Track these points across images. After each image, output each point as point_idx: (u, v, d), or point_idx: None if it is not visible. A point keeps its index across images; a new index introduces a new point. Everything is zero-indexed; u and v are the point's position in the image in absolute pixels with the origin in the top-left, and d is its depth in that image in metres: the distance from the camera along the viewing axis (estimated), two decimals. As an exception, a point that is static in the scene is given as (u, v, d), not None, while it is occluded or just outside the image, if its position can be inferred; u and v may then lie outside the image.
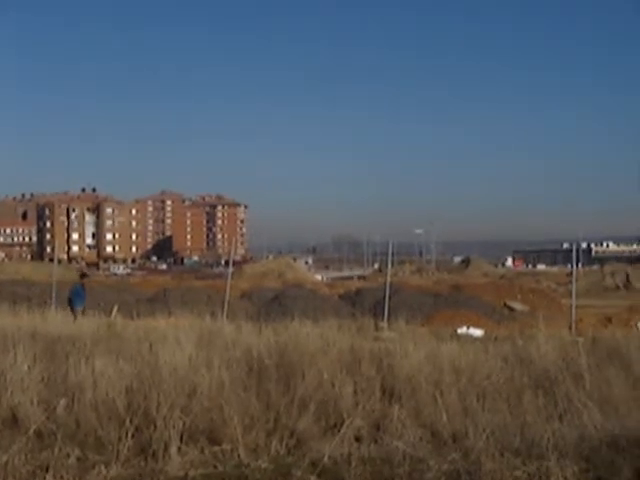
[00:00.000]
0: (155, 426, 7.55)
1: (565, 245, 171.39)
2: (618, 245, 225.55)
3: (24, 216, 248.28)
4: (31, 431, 7.63)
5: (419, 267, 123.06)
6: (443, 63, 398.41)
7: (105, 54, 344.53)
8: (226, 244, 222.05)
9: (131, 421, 7.50)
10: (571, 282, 25.62)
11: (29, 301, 26.92)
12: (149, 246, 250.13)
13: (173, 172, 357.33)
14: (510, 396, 9.25)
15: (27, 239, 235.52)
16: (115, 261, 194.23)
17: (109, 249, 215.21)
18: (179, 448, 7.22)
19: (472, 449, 7.12)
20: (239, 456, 7.34)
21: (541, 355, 11.35)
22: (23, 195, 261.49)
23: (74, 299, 22.14)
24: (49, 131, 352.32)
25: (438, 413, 8.35)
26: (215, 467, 7.17)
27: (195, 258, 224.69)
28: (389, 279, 26.97)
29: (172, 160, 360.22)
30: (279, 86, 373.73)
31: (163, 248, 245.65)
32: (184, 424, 7.57)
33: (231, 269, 30.36)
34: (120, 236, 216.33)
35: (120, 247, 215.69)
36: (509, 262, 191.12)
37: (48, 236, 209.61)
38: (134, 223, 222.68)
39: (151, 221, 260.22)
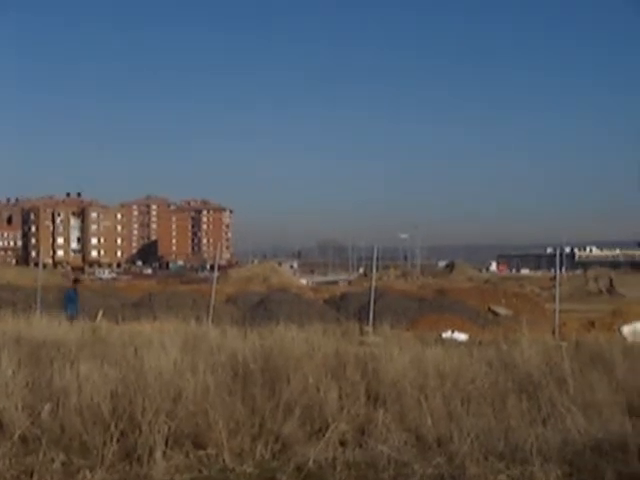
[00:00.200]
0: (140, 431, 7.55)
1: (549, 250, 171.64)
2: (601, 250, 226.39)
3: (9, 220, 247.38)
4: (16, 436, 7.63)
5: (404, 272, 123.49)
6: (438, 64, 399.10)
7: (89, 56, 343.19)
8: (211, 249, 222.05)
9: (116, 426, 7.50)
10: (555, 286, 25.71)
11: (14, 306, 26.73)
12: (134, 250, 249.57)
13: (158, 177, 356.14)
14: (494, 400, 9.28)
15: (12, 244, 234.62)
16: (100, 265, 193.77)
17: (94, 253, 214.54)
18: (164, 453, 7.22)
19: (456, 453, 7.16)
20: (224, 461, 7.35)
21: (525, 360, 11.39)
22: (8, 199, 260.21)
23: (67, 304, 22.01)
24: (34, 135, 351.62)
25: (423, 417, 8.37)
26: (200, 472, 7.18)
27: (180, 263, 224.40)
28: (374, 283, 26.99)
29: (157, 165, 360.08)
30: (264, 90, 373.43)
31: (148, 253, 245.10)
32: (169, 428, 7.57)
33: (216, 273, 30.30)
34: (105, 240, 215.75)
35: (105, 251, 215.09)
36: (493, 267, 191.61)
37: (33, 240, 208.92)
38: (119, 227, 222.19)
39: (136, 225, 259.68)
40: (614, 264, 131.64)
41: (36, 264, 62.07)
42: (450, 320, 32.10)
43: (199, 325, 18.52)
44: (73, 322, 20.53)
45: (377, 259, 29.16)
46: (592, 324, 28.70)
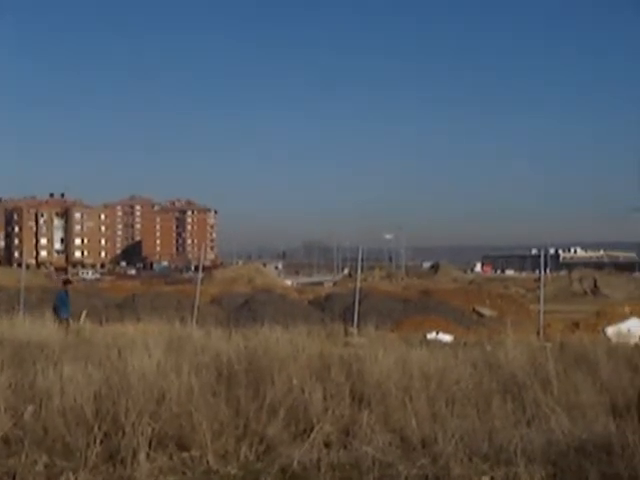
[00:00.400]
0: (124, 432, 7.51)
1: (533, 251, 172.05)
2: (586, 251, 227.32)
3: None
4: (-2, 438, 7.58)
5: (389, 273, 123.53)
6: (423, 64, 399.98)
7: (73, 58, 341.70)
8: (196, 249, 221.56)
9: (99, 427, 7.46)
10: (539, 287, 25.78)
11: (-4, 307, 26.66)
12: (118, 251, 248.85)
13: (142, 177, 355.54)
14: (479, 401, 9.29)
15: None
16: (84, 266, 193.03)
17: (78, 254, 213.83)
18: (148, 454, 7.19)
19: (441, 454, 7.16)
20: (208, 462, 7.33)
21: (509, 361, 11.40)
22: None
23: (59, 306, 21.85)
24: (17, 135, 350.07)
25: (407, 418, 8.37)
26: (184, 473, 7.15)
27: (165, 263, 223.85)
28: (359, 284, 26.99)
29: (142, 165, 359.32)
30: (248, 92, 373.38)
31: (132, 253, 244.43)
32: (153, 430, 7.53)
33: (201, 274, 30.23)
34: (89, 241, 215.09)
35: (89, 252, 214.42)
36: (478, 268, 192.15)
37: (16, 241, 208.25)
38: (103, 228, 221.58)
39: (120, 226, 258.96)
40: (598, 265, 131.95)
41: (19, 265, 61.74)
42: (435, 321, 32.18)
43: (183, 326, 18.50)
44: (65, 324, 20.45)
45: (362, 260, 29.20)
46: (576, 325, 28.80)
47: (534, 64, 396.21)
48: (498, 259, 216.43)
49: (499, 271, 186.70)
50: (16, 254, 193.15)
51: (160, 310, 27.72)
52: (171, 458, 7.39)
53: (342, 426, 8.36)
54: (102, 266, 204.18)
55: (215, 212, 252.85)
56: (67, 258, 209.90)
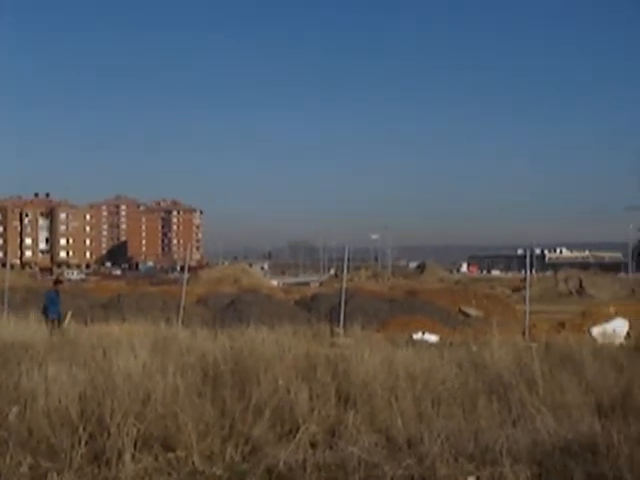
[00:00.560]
0: (109, 433, 7.49)
1: (519, 251, 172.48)
2: (571, 251, 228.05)
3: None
4: (-18, 439, 7.55)
5: (375, 272, 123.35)
6: (408, 67, 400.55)
7: (59, 58, 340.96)
8: (181, 250, 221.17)
9: (84, 428, 7.44)
10: (525, 288, 25.83)
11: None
12: (103, 251, 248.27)
13: (128, 177, 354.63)
14: (464, 401, 9.30)
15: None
16: (69, 266, 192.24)
17: (63, 254, 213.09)
18: (133, 455, 7.17)
19: (427, 454, 7.16)
20: (194, 463, 7.31)
21: (495, 361, 11.42)
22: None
23: (49, 307, 21.72)
24: (1, 135, 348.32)
25: (393, 419, 8.37)
26: (169, 474, 7.13)
27: (150, 264, 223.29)
28: (345, 285, 26.97)
29: (127, 165, 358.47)
30: (234, 92, 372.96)
31: (118, 253, 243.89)
32: (138, 431, 7.51)
33: (186, 275, 30.16)
34: (74, 241, 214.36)
35: (74, 252, 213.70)
36: (464, 268, 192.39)
37: (0, 241, 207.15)
38: (88, 228, 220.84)
39: (105, 226, 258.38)
40: (584, 265, 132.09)
41: (3, 265, 61.38)
42: (421, 321, 32.16)
43: (169, 326, 18.46)
44: (54, 324, 20.36)
45: (348, 260, 29.15)
46: (562, 325, 28.84)
47: (522, 64, 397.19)
48: (484, 259, 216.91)
49: (485, 271, 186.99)
50: (0, 254, 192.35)
51: (145, 310, 27.62)
52: (156, 459, 7.36)
53: (328, 426, 8.36)
54: (87, 266, 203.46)
55: (201, 212, 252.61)
56: (52, 258, 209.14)
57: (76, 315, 23.65)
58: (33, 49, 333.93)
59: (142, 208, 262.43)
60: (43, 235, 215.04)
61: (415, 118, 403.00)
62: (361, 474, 6.89)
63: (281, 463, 7.16)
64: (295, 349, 11.93)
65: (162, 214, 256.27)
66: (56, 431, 7.70)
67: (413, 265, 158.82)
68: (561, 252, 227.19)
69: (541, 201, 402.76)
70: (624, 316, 27.00)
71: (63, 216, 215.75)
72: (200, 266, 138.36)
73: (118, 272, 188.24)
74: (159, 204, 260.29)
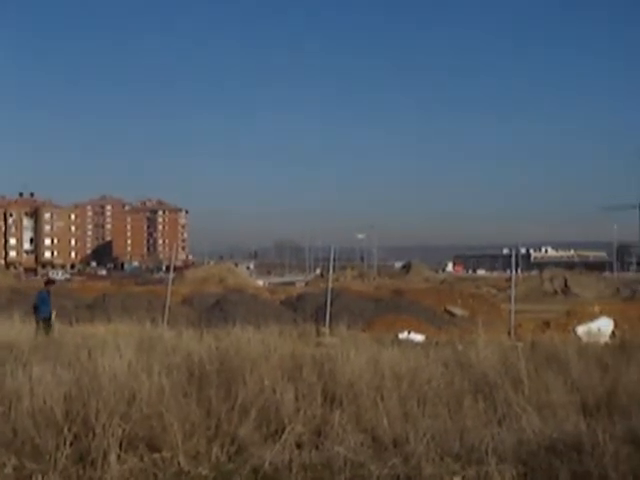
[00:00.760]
0: (94, 434, 7.46)
1: (505, 250, 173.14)
2: (557, 251, 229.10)
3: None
4: (-34, 440, 7.51)
5: (361, 272, 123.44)
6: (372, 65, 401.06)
7: (40, 57, 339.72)
8: (167, 249, 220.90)
9: (69, 429, 7.41)
10: (510, 287, 25.90)
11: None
12: (88, 251, 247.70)
13: (113, 177, 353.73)
14: (450, 401, 9.31)
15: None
16: (54, 266, 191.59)
17: (47, 254, 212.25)
18: (118, 456, 7.15)
19: (412, 454, 7.17)
20: (179, 463, 7.30)
21: (481, 360, 11.44)
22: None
23: (40, 306, 21.65)
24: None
25: (379, 418, 8.38)
26: (155, 475, 7.12)
27: (135, 263, 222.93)
28: (330, 284, 26.98)
29: (112, 165, 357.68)
30: (216, 91, 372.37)
31: (103, 253, 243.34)
32: (123, 431, 7.49)
33: (172, 274, 30.15)
34: (59, 241, 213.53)
35: (59, 252, 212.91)
36: (450, 267, 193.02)
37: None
38: (73, 228, 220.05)
39: (90, 226, 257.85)
40: (569, 265, 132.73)
41: (-12, 265, 61.23)
42: (406, 321, 32.18)
43: (154, 326, 18.43)
44: (45, 324, 20.31)
45: (334, 260, 29.19)
46: (547, 324, 28.92)
47: (510, 64, 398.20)
48: (470, 259, 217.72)
49: (471, 271, 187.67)
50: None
51: (131, 310, 27.56)
52: (142, 459, 7.35)
53: (314, 426, 8.36)
54: (72, 266, 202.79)
55: (186, 212, 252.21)
56: (37, 258, 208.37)
57: (61, 315, 23.58)
58: (17, 48, 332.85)
59: (127, 208, 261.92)
60: (27, 235, 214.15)
61: (399, 118, 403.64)
62: (347, 474, 6.89)
63: (267, 463, 7.15)
64: (281, 349, 11.91)
65: (147, 214, 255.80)
66: (41, 432, 7.67)
67: (399, 265, 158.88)
68: (546, 251, 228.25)
69: (526, 201, 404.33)
70: (609, 315, 27.15)
71: (48, 216, 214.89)
72: (186, 266, 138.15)
73: (103, 272, 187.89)
74: (144, 204, 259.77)
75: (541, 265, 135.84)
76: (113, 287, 61.82)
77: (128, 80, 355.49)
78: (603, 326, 24.58)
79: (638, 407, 8.76)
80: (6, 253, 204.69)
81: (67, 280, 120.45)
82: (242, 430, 7.95)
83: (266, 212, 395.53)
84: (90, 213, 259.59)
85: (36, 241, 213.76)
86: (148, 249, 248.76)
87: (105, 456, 7.09)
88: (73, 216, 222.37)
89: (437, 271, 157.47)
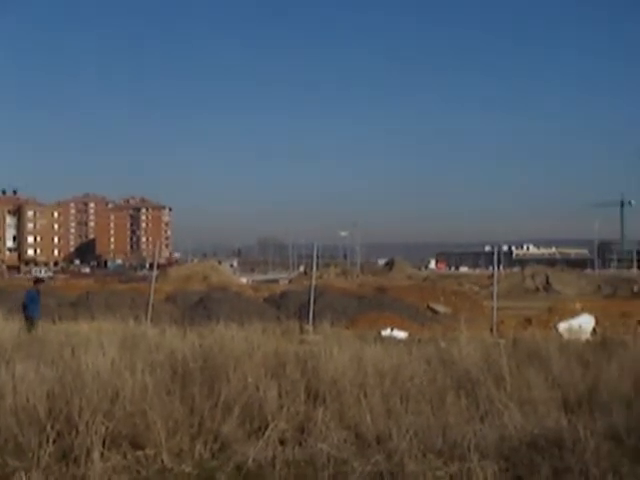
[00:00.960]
0: (77, 431, 7.46)
1: (487, 248, 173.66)
2: (538, 248, 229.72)
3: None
4: (-51, 438, 7.49)
5: (344, 270, 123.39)
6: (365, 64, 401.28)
7: (23, 53, 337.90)
8: (150, 247, 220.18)
9: (52, 427, 7.41)
10: (493, 284, 25.99)
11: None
12: (72, 249, 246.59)
13: (97, 175, 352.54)
14: (433, 398, 9.35)
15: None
16: (37, 264, 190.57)
17: (30, 252, 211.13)
18: (101, 453, 7.15)
19: (395, 450, 7.20)
20: (162, 461, 7.30)
21: (463, 357, 11.49)
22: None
23: (29, 305, 21.56)
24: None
25: (362, 415, 8.41)
26: (138, 472, 7.12)
27: (119, 261, 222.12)
28: (314, 282, 26.99)
29: (95, 163, 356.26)
30: (200, 89, 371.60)
31: (86, 251, 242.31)
32: (107, 429, 7.49)
33: (155, 272, 30.06)
34: (42, 239, 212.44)
35: (42, 250, 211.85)
36: (432, 264, 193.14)
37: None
38: (56, 226, 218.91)
39: (74, 224, 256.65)
40: (550, 262, 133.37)
41: (-29, 263, 60.92)
42: (389, 318, 32.21)
43: (138, 324, 18.38)
44: (33, 324, 20.23)
45: (317, 257, 29.20)
46: (529, 321, 29.02)
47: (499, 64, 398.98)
48: (452, 256, 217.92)
49: (453, 268, 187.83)
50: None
51: (114, 308, 27.46)
52: (125, 457, 7.35)
53: (297, 423, 8.38)
54: (55, 264, 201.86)
55: (170, 210, 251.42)
56: (20, 256, 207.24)
57: (44, 313, 23.50)
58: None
59: (110, 206, 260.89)
60: (10, 233, 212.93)
61: (382, 116, 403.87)
62: (330, 470, 6.91)
63: (250, 460, 7.17)
64: (264, 346, 11.94)
65: (131, 211, 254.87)
66: (24, 429, 7.66)
67: (382, 262, 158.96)
68: (528, 249, 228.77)
69: (508, 198, 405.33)
70: (590, 312, 27.27)
71: (31, 214, 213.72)
72: (169, 263, 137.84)
73: (87, 270, 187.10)
74: (128, 202, 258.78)
75: (523, 262, 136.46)
76: (96, 285, 61.64)
77: (112, 78, 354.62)
78: (584, 323, 24.66)
79: (619, 403, 8.81)
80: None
81: (50, 278, 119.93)
82: (225, 427, 7.96)
83: (250, 210, 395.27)
84: (73, 211, 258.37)
85: (19, 239, 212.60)
86: (131, 247, 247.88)
87: (88, 454, 7.09)
88: (56, 214, 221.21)
89: (420, 268, 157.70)
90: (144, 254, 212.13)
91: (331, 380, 9.71)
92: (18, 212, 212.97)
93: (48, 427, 7.38)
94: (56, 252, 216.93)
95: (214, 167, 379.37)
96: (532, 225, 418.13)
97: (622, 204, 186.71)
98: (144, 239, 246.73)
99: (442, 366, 11.14)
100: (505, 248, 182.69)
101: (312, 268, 30.50)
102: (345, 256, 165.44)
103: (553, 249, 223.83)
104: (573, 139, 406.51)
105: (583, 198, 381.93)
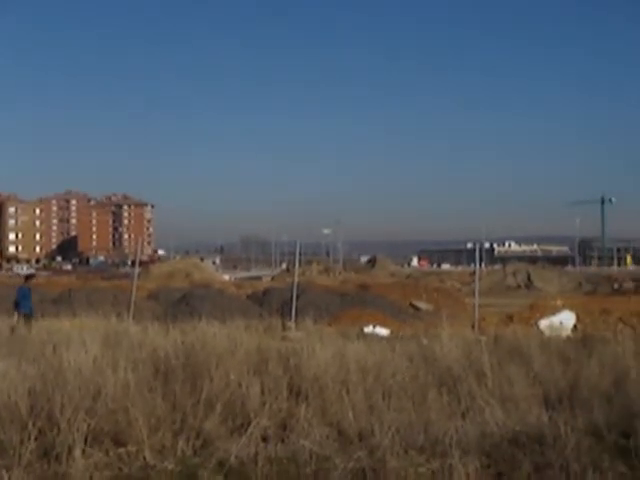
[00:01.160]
0: (59, 429, 7.45)
1: (469, 245, 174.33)
2: (520, 245, 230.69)
3: None
4: None
5: (326, 267, 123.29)
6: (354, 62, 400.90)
7: (6, 50, 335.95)
8: (132, 244, 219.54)
9: (34, 424, 7.39)
10: (474, 281, 26.05)
11: None
12: (54, 246, 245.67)
13: (78, 171, 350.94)
14: (415, 394, 9.37)
15: None
16: (18, 261, 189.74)
17: (12, 249, 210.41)
18: (83, 451, 7.14)
19: (377, 447, 7.22)
20: (145, 458, 7.30)
21: (445, 354, 11.52)
22: None
23: (21, 302, 21.47)
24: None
25: (344, 412, 8.42)
26: (120, 469, 7.12)
27: (101, 258, 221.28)
28: (297, 279, 26.99)
29: (77, 159, 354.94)
30: (182, 86, 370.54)
31: (68, 248, 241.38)
32: (89, 426, 7.48)
33: (137, 269, 29.96)
34: (23, 236, 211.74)
35: (23, 247, 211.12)
36: (415, 262, 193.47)
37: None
38: (38, 223, 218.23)
39: (55, 221, 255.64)
40: (532, 259, 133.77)
41: (-48, 260, 60.61)
42: (372, 315, 32.18)
43: (120, 321, 18.33)
44: (26, 319, 20.16)
45: (300, 254, 29.18)
46: (510, 318, 29.04)
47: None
48: (434, 253, 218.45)
49: (435, 265, 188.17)
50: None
51: (96, 305, 27.32)
52: (107, 454, 7.34)
53: (279, 420, 8.39)
54: (37, 261, 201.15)
55: (152, 206, 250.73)
56: (1, 253, 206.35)
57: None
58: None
59: (92, 202, 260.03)
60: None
61: (365, 115, 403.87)
62: (312, 467, 6.93)
63: (233, 457, 7.17)
64: (247, 343, 11.94)
65: (113, 208, 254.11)
66: (5, 427, 7.63)
67: (364, 259, 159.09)
68: (510, 246, 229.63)
69: (490, 196, 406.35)
70: (571, 309, 27.31)
71: (12, 210, 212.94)
72: (152, 260, 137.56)
73: (68, 267, 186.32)
74: (110, 198, 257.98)
75: (504, 259, 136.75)
76: (78, 282, 61.33)
77: (94, 76, 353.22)
78: (565, 320, 24.75)
79: (599, 400, 8.86)
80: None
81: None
82: (208, 424, 7.97)
83: (232, 207, 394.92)
84: (55, 208, 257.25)
85: (0, 236, 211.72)
86: (114, 244, 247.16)
87: (70, 451, 7.08)
88: (38, 210, 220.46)
89: (402, 265, 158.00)
90: (126, 251, 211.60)
91: (313, 377, 9.72)
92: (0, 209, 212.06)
93: (30, 424, 7.36)
94: (38, 249, 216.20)
95: (196, 164, 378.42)
96: (514, 222, 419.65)
97: (603, 201, 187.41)
98: (126, 236, 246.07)
99: (424, 363, 11.18)
100: (487, 245, 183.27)
101: (295, 265, 30.48)
102: (328, 253, 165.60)
103: (535, 246, 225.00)
104: (555, 137, 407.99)
105: (564, 196, 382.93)
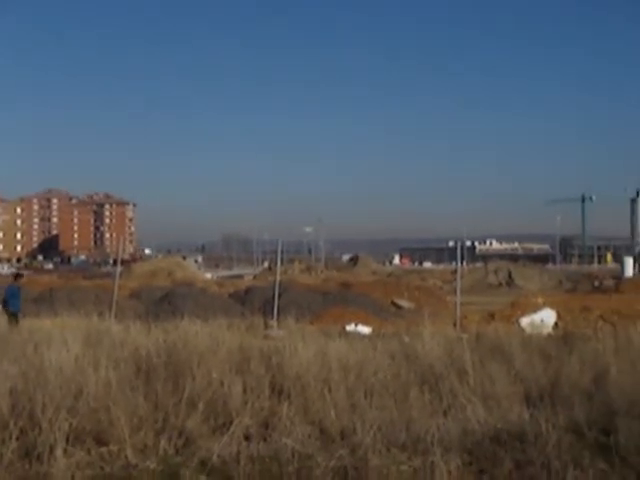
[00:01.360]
0: (40, 428, 7.43)
1: (450, 243, 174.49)
2: (501, 243, 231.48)
3: None
4: None
5: (308, 265, 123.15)
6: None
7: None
8: (114, 243, 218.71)
9: (15, 423, 7.37)
10: (456, 279, 26.10)
11: None
12: (35, 245, 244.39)
13: (60, 170, 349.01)
14: (397, 392, 9.40)
15: None
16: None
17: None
18: (65, 450, 7.12)
19: (359, 445, 7.23)
20: (127, 457, 7.29)
21: (427, 352, 11.55)
22: None
23: (9, 301, 21.35)
24: None
25: (326, 410, 8.43)
26: (102, 468, 7.11)
27: (83, 257, 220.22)
28: (278, 277, 26.99)
29: (59, 158, 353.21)
30: (164, 84, 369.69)
31: (49, 247, 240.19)
32: (70, 425, 7.46)
33: (119, 268, 29.90)
34: (4, 235, 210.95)
35: (4, 246, 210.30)
36: (396, 260, 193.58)
37: None
38: (19, 222, 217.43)
39: (37, 220, 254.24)
40: (513, 257, 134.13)
41: None
42: (354, 313, 32.20)
43: (102, 320, 18.29)
44: (15, 318, 20.09)
45: (282, 253, 29.19)
46: (492, 316, 29.11)
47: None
48: (416, 251, 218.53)
49: (417, 263, 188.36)
50: None
51: (78, 304, 27.25)
52: (89, 453, 7.33)
53: (262, 419, 8.39)
54: (18, 260, 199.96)
55: (134, 205, 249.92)
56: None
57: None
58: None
59: (74, 201, 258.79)
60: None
61: (347, 112, 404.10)
62: (295, 465, 6.93)
63: (215, 456, 7.17)
64: (229, 342, 11.94)
65: (94, 207, 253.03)
66: (-14, 427, 7.61)
67: (346, 258, 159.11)
68: (491, 244, 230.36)
69: (471, 194, 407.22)
70: (552, 307, 27.42)
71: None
72: (133, 259, 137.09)
73: (50, 266, 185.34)
74: (91, 197, 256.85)
75: (486, 257, 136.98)
76: (60, 281, 61.06)
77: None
78: (546, 317, 24.86)
79: (580, 397, 8.91)
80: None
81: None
82: (190, 423, 7.96)
83: (214, 206, 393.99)
84: (36, 206, 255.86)
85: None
86: (95, 243, 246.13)
87: (51, 450, 7.07)
88: (19, 209, 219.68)
89: (384, 264, 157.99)
90: (108, 250, 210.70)
91: (295, 375, 9.73)
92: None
93: (11, 424, 7.34)
94: (19, 248, 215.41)
95: (178, 163, 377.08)
96: (495, 221, 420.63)
97: (583, 200, 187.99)
98: (108, 235, 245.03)
99: (406, 361, 11.20)
100: (468, 243, 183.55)
101: (276, 264, 30.49)
102: (310, 252, 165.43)
103: (516, 244, 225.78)
104: (535, 136, 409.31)
105: (545, 194, 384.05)
